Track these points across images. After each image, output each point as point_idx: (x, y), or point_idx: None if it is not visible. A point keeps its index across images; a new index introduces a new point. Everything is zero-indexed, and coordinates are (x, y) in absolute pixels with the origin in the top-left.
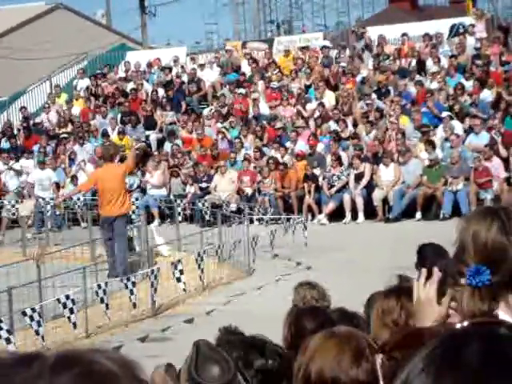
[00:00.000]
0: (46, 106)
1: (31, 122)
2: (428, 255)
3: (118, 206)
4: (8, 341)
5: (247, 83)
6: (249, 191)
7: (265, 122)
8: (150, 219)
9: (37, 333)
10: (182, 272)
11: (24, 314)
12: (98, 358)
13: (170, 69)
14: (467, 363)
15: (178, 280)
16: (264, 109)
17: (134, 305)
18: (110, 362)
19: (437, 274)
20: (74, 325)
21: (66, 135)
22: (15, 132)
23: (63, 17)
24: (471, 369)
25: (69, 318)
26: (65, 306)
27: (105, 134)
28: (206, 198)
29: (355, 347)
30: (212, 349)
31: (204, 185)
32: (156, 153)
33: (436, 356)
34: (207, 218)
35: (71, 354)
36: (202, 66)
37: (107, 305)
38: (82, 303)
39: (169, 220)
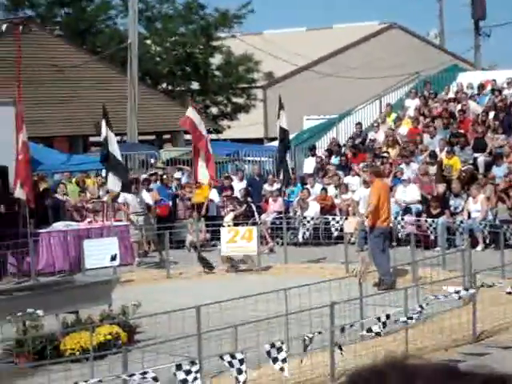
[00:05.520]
0: (375, 124)
1: (359, 140)
2: None
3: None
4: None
5: None
6: None
7: None
8: (473, 243)
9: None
10: None
11: (342, 330)
12: None
13: (501, 91)
14: None
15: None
16: None
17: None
18: None
19: None
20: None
21: (386, 154)
22: (343, 150)
23: (396, 36)
24: None
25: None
26: (384, 325)
27: (431, 155)
28: None
29: None
30: None
31: None
32: (481, 176)
33: None
34: None
35: (500, 377)
36: None
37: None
38: (402, 324)
39: (493, 246)
